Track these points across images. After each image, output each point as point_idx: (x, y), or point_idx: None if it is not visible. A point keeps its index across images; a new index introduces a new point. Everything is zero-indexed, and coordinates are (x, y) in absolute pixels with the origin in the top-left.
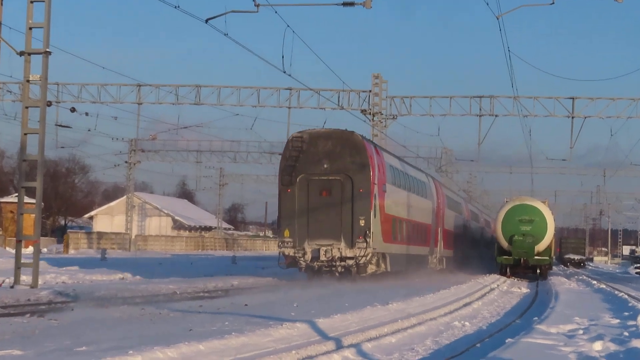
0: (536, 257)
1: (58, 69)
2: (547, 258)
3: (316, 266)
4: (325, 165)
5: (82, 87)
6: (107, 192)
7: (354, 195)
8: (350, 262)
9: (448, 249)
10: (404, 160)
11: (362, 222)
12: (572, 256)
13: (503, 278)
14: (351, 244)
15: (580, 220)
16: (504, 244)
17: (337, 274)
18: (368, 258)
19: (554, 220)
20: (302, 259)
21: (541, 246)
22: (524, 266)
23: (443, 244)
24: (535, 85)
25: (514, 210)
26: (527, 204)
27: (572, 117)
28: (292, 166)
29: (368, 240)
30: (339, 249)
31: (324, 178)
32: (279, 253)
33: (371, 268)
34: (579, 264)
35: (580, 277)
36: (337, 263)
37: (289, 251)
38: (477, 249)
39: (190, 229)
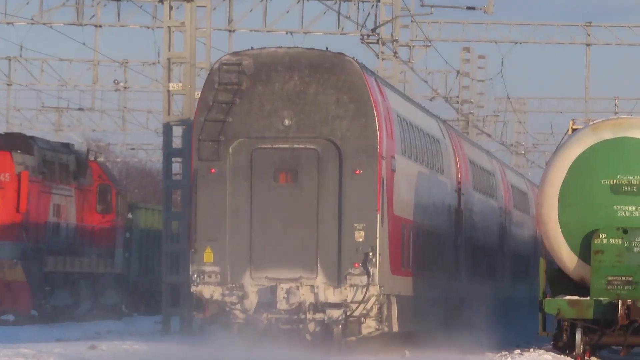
0: None
1: None
2: None
3: (265, 321)
4: (286, 122)
5: None
6: None
7: (343, 182)
8: (336, 313)
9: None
10: (411, 99)
11: (359, 236)
12: None
13: None
14: (337, 279)
15: None
16: (568, 260)
17: (307, 337)
18: (370, 306)
19: None
20: (238, 306)
21: None
22: (627, 327)
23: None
24: None
25: (598, 156)
26: (637, 139)
27: None
28: (220, 123)
29: (371, 270)
30: (313, 287)
31: (285, 147)
32: (193, 294)
33: (368, 326)
34: None
35: None
36: (310, 316)
37: (213, 292)
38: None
39: None
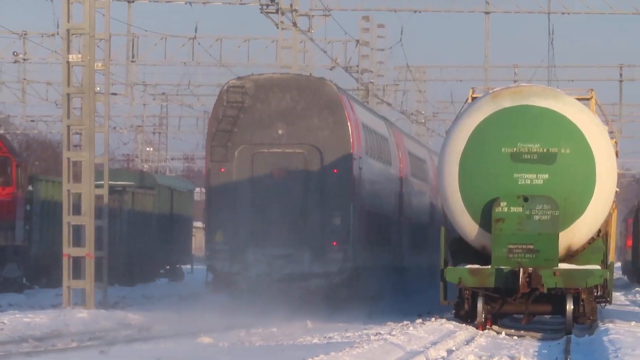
0: (563, 267)
1: None
2: (597, 269)
3: (264, 286)
4: (279, 131)
5: None
6: None
7: (325, 178)
8: (319, 281)
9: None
10: (368, 108)
11: (337, 221)
12: None
13: (466, 331)
14: (320, 254)
15: None
16: (469, 228)
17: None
18: (345, 276)
19: (615, 156)
20: (242, 276)
21: (578, 232)
22: (529, 296)
23: (407, 245)
24: None
25: (498, 124)
26: (536, 107)
27: None
28: (227, 132)
29: (346, 247)
30: (301, 261)
31: (278, 151)
32: (207, 268)
33: (343, 291)
34: None
35: None
36: (298, 283)
37: (223, 265)
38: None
39: None
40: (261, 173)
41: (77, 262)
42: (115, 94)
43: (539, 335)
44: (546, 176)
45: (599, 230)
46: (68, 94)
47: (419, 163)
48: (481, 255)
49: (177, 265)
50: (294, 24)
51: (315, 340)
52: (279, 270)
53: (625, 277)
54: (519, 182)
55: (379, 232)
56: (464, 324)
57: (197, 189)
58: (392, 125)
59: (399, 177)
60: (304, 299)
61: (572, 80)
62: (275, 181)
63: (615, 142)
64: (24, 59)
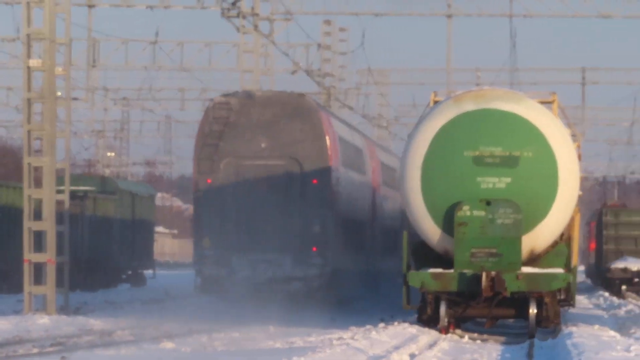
0: (526, 271)
1: None
2: (560, 272)
3: (249, 289)
4: (262, 145)
5: None
6: None
7: (305, 189)
8: (300, 284)
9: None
10: (345, 121)
11: (316, 228)
12: (633, 265)
13: (429, 335)
14: (301, 259)
15: None
16: (431, 232)
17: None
18: (325, 279)
19: (578, 159)
20: (228, 280)
21: (541, 236)
22: (492, 300)
23: (380, 250)
24: None
25: (460, 128)
26: (499, 111)
27: None
28: (213, 146)
29: (326, 253)
30: (283, 265)
31: (261, 163)
32: (195, 273)
33: (322, 293)
34: None
35: None
36: (280, 286)
37: (210, 269)
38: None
39: None
40: (245, 184)
41: (39, 268)
42: (76, 98)
43: (502, 339)
44: (509, 180)
45: (562, 234)
46: (29, 99)
47: (390, 172)
48: (444, 259)
49: (139, 271)
50: (256, 28)
51: (278, 345)
52: (263, 274)
53: (589, 281)
54: (482, 186)
55: (355, 238)
56: (426, 328)
57: (159, 194)
58: (365, 136)
59: (372, 186)
60: (285, 301)
61: (535, 84)
62: (258, 191)
63: (578, 145)
64: None
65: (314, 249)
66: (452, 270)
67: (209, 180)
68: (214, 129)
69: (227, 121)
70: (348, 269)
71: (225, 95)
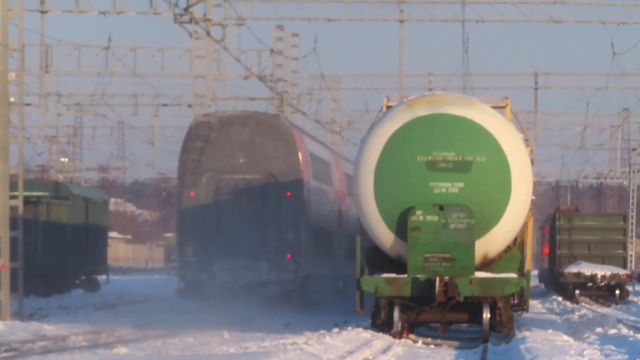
0: (479, 275)
1: None
2: (514, 277)
3: (229, 292)
4: (240, 160)
5: None
6: None
7: (279, 200)
8: (274, 288)
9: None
10: (314, 137)
11: (290, 237)
12: (586, 269)
13: (383, 340)
14: (276, 265)
15: (603, 162)
16: (385, 237)
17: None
18: (298, 284)
19: (531, 164)
20: (210, 284)
21: (494, 241)
22: (445, 304)
23: (346, 256)
24: None
25: (413, 133)
26: (451, 115)
27: None
28: (196, 161)
29: (298, 259)
30: (259, 271)
31: (240, 177)
32: (179, 278)
33: (296, 297)
34: (610, 292)
35: (613, 335)
36: (258, 290)
37: (192, 274)
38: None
39: None
40: (225, 196)
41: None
42: (29, 104)
43: (455, 344)
44: (462, 184)
45: (515, 239)
46: None
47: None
48: (397, 264)
49: (93, 276)
50: (208, 34)
51: (232, 350)
52: (242, 278)
53: (542, 285)
54: (435, 191)
55: (324, 245)
56: (380, 333)
57: (112, 199)
58: (331, 150)
59: (338, 196)
60: (262, 304)
61: (487, 88)
62: (237, 203)
63: (531, 150)
64: None
65: (288, 255)
66: (405, 275)
67: (192, 193)
68: (196, 146)
69: (208, 138)
70: (319, 273)
71: (206, 115)
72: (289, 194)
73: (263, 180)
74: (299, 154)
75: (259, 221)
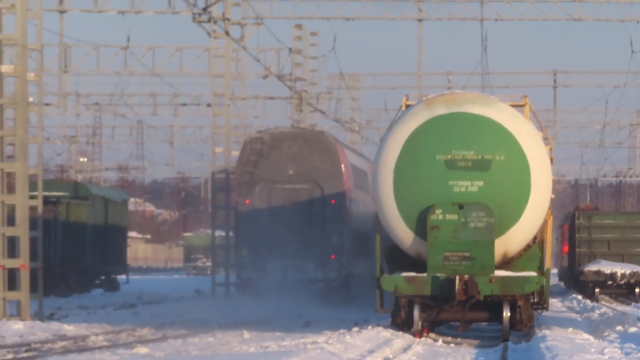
0: (499, 274)
1: None
2: (533, 275)
3: (280, 289)
4: (290, 172)
5: None
6: None
7: (324, 207)
8: (321, 285)
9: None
10: (354, 149)
11: (334, 239)
12: (606, 268)
13: (403, 339)
14: (323, 264)
15: (623, 160)
16: (404, 236)
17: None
18: (340, 281)
19: (550, 162)
20: (262, 281)
21: (514, 239)
22: (465, 303)
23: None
24: None
25: (432, 132)
26: (470, 114)
27: None
28: (250, 173)
29: (342, 259)
30: (307, 270)
31: (289, 187)
32: (236, 276)
33: (340, 292)
34: (630, 290)
35: (634, 333)
36: (306, 287)
37: (247, 272)
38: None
39: None
40: (276, 203)
41: (12, 274)
42: (48, 104)
43: (475, 342)
44: (481, 183)
45: (535, 237)
46: (1, 105)
47: None
48: (417, 263)
49: (112, 276)
50: (227, 33)
51: (252, 350)
52: (291, 277)
53: (562, 284)
54: (454, 190)
55: (362, 246)
56: (400, 332)
57: (132, 199)
58: (368, 159)
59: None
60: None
61: (506, 87)
62: (286, 209)
63: (550, 149)
64: None
65: (333, 256)
66: (425, 274)
67: (247, 201)
68: (251, 159)
69: (261, 152)
70: (358, 272)
71: (259, 131)
72: (333, 201)
73: (310, 190)
74: (342, 166)
75: (306, 226)
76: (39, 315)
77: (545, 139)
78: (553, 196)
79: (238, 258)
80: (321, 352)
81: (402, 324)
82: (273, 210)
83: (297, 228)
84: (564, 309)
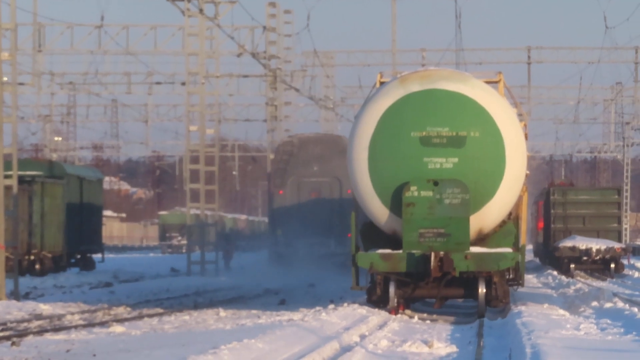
0: (474, 250)
1: None
2: (509, 252)
3: (307, 261)
4: (315, 168)
5: None
6: None
7: (341, 197)
8: (340, 258)
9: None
10: None
11: (351, 221)
12: (581, 243)
13: (379, 316)
14: (341, 241)
15: (597, 136)
16: (379, 213)
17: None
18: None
19: (525, 138)
20: (293, 256)
21: (489, 216)
22: (441, 280)
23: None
24: None
25: (406, 109)
26: (444, 91)
27: None
28: (283, 169)
29: (356, 237)
30: (330, 245)
31: (314, 180)
32: (269, 252)
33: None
34: (605, 266)
35: (609, 309)
36: (328, 259)
37: (281, 249)
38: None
39: None
40: (304, 193)
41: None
42: (22, 83)
43: (451, 319)
44: (456, 160)
45: (510, 213)
46: None
47: None
48: (392, 240)
49: (88, 255)
50: (201, 11)
51: (228, 327)
52: (317, 251)
53: (537, 260)
54: (429, 166)
55: None
56: (376, 309)
57: (106, 178)
58: None
59: None
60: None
61: (480, 63)
62: (312, 199)
63: (525, 125)
64: None
65: (349, 235)
66: (400, 251)
67: (280, 192)
68: (283, 158)
69: (291, 153)
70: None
71: (290, 136)
72: (349, 191)
73: (331, 182)
74: None
75: (328, 211)
76: (15, 295)
77: (519, 115)
78: (528, 172)
79: (272, 237)
80: (297, 329)
81: (378, 301)
82: (301, 199)
83: (321, 213)
84: (540, 285)
